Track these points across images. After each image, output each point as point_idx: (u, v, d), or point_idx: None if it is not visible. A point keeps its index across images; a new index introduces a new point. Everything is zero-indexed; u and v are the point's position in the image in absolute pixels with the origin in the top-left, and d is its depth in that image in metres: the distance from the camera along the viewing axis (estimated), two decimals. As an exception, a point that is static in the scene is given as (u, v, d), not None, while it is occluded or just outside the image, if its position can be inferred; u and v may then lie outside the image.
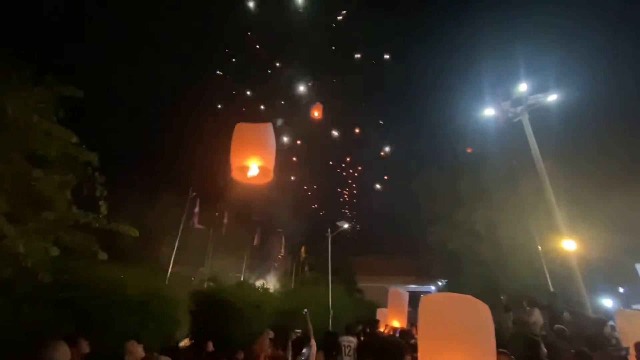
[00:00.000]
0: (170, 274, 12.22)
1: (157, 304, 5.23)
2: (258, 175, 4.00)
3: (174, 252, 13.34)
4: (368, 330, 9.07)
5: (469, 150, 22.39)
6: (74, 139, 3.95)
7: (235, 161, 3.86)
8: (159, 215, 17.43)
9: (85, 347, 3.16)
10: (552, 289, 11.61)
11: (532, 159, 12.35)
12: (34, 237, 3.44)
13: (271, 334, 6.06)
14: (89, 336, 3.38)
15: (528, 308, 8.40)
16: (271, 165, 4.06)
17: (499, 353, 2.82)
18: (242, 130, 3.98)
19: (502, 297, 8.82)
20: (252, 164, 3.87)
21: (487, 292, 12.29)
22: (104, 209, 4.39)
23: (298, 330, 6.54)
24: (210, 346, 5.57)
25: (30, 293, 3.68)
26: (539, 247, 13.14)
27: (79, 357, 2.98)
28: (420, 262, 22.76)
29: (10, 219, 3.28)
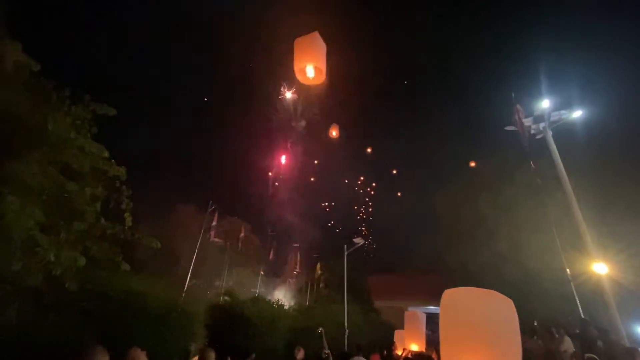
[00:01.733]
0: (187, 287, 12.36)
1: (175, 316, 5.28)
2: (315, 76, 5.83)
3: (192, 266, 13.51)
4: (385, 353, 8.78)
5: (472, 164, 21.90)
6: (106, 154, 4.17)
7: (297, 66, 5.72)
8: (178, 229, 17.81)
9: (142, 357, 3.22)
10: (582, 315, 10.93)
11: (557, 177, 11.93)
12: (64, 247, 3.61)
13: (301, 354, 6.00)
14: (110, 346, 3.44)
15: (557, 335, 7.91)
16: (323, 65, 5.72)
17: None
18: (299, 43, 5.81)
19: (535, 323, 8.31)
20: (309, 66, 5.78)
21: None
22: (128, 221, 4.57)
23: (327, 351, 6.42)
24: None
25: (57, 301, 3.81)
26: (567, 270, 12.48)
27: None
28: (439, 283, 22.01)
29: (43, 229, 3.47)
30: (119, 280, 4.61)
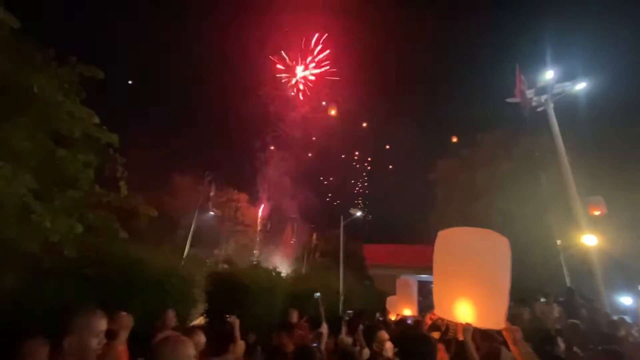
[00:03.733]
0: (187, 255, 12.59)
1: (175, 282, 5.38)
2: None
3: (190, 235, 13.69)
4: (379, 317, 9.14)
5: (454, 139, 21.67)
6: (96, 120, 4.02)
7: None
8: (176, 198, 17.84)
9: (127, 320, 3.27)
10: (568, 285, 11.36)
11: (555, 151, 11.90)
12: (60, 215, 3.56)
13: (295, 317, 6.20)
14: (110, 311, 3.51)
15: (543, 300, 8.25)
16: None
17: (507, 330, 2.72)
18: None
19: (542, 299, 8.63)
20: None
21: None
22: (124, 189, 4.51)
23: (350, 311, 6.60)
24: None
25: (56, 268, 3.83)
26: (558, 242, 12.80)
27: (123, 329, 3.11)
28: (431, 253, 22.56)
29: (37, 196, 3.40)
30: (118, 248, 4.63)
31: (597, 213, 11.06)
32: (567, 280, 11.81)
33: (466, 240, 3.03)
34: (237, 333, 3.77)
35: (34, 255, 3.52)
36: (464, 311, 2.78)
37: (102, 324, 1.98)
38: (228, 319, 3.77)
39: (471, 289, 2.74)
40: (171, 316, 4.10)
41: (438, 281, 3.08)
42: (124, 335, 3.13)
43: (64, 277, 3.88)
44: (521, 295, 9.00)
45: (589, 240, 10.54)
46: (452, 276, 2.92)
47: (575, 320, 6.51)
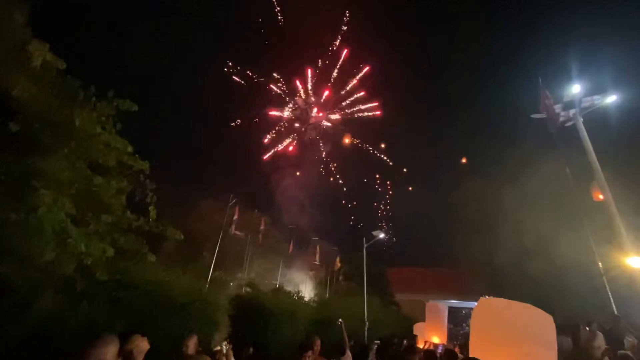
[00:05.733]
0: (211, 278, 12.70)
1: (199, 306, 5.44)
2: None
3: (214, 258, 13.86)
4: (405, 343, 8.71)
5: (464, 161, 20.95)
6: (130, 149, 4.31)
7: None
8: (201, 222, 18.29)
9: (142, 344, 3.30)
10: (615, 311, 10.41)
11: (588, 167, 11.31)
12: (94, 239, 3.77)
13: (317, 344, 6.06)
14: (130, 334, 3.58)
15: (588, 329, 7.58)
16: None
17: None
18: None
19: (583, 326, 8.00)
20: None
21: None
22: (153, 213, 4.72)
23: (377, 341, 6.44)
24: (250, 350, 5.68)
25: (89, 290, 4.01)
26: (599, 264, 11.88)
27: (138, 353, 3.14)
28: (461, 277, 21.57)
29: (74, 221, 3.63)
30: (146, 271, 4.79)
31: (601, 197, 10.38)
32: (613, 305, 10.84)
33: (509, 314, 2.90)
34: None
35: (68, 278, 3.71)
36: None
37: (112, 351, 2.06)
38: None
39: None
40: (193, 342, 4.11)
41: (475, 350, 2.93)
42: (139, 357, 3.16)
43: (95, 299, 4.04)
44: (561, 322, 8.34)
45: (634, 262, 9.73)
46: (491, 348, 2.77)
47: (626, 352, 5.94)
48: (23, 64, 3.54)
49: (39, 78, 3.59)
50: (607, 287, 11.18)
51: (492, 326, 2.80)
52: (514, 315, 2.87)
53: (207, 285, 8.55)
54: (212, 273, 13.21)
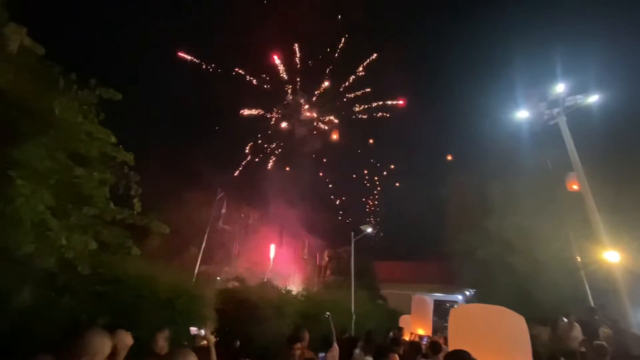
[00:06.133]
0: (197, 272, 12.58)
1: (185, 301, 5.37)
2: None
3: (201, 252, 13.72)
4: (391, 335, 8.87)
5: (449, 158, 21.36)
6: (113, 139, 4.17)
7: None
8: (187, 215, 18.03)
9: (127, 338, 3.24)
10: (592, 304, 10.84)
11: (570, 164, 11.65)
12: (75, 231, 3.65)
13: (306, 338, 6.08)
14: (122, 328, 3.51)
15: (566, 321, 7.87)
16: None
17: None
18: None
19: (561, 318, 8.25)
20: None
21: (519, 304, 11.63)
22: (137, 206, 4.60)
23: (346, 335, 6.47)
24: (237, 343, 5.67)
25: (71, 284, 3.89)
26: (578, 258, 12.32)
27: (122, 348, 3.09)
28: (446, 270, 22.00)
29: (54, 213, 3.51)
30: (130, 265, 4.69)
31: (575, 188, 10.84)
32: (590, 299, 11.28)
33: (483, 318, 2.97)
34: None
35: (48, 272, 3.60)
36: None
37: (108, 347, 2.01)
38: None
39: None
40: (162, 337, 4.06)
41: None
42: (122, 353, 3.11)
43: (77, 293, 3.93)
44: (541, 314, 8.63)
45: (611, 256, 10.13)
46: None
47: (601, 342, 6.20)
48: (-2, 49, 3.37)
49: (16, 64, 3.42)
50: (585, 280, 11.61)
51: (467, 331, 2.89)
52: (488, 319, 2.96)
53: (193, 279, 8.46)
54: (199, 267, 13.08)
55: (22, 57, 3.58)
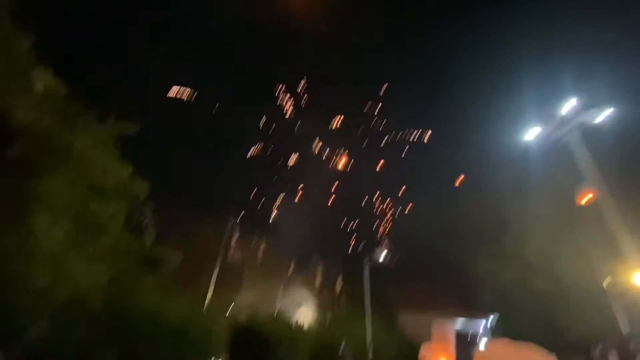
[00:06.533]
0: (209, 303, 12.36)
1: (195, 335, 5.27)
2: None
3: (212, 281, 13.56)
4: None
5: (461, 178, 20.95)
6: (129, 170, 4.30)
7: None
8: (201, 243, 18.01)
9: None
10: (622, 329, 10.11)
11: (587, 182, 11.30)
12: (91, 261, 3.69)
13: None
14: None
15: (600, 348, 7.35)
16: None
17: None
18: None
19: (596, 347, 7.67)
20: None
21: (545, 330, 10.96)
22: (151, 235, 4.65)
23: None
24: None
25: (82, 317, 3.87)
26: (605, 281, 11.65)
27: None
28: (466, 294, 21.08)
29: (71, 244, 3.57)
30: (142, 296, 4.66)
31: (584, 202, 10.31)
32: (620, 322, 10.54)
33: (513, 356, 2.85)
34: None
35: (62, 304, 3.60)
36: None
37: None
38: None
39: None
40: None
41: None
42: None
43: (88, 326, 3.90)
44: (570, 339, 8.09)
45: (641, 278, 9.54)
46: None
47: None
48: (26, 89, 3.59)
49: (41, 103, 3.63)
50: (614, 303, 10.93)
51: None
52: (518, 357, 2.80)
53: (204, 310, 8.33)
54: (210, 297, 12.88)
55: (47, 96, 3.81)
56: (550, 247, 14.18)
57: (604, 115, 11.40)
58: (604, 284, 11.85)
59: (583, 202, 10.23)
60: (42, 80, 3.72)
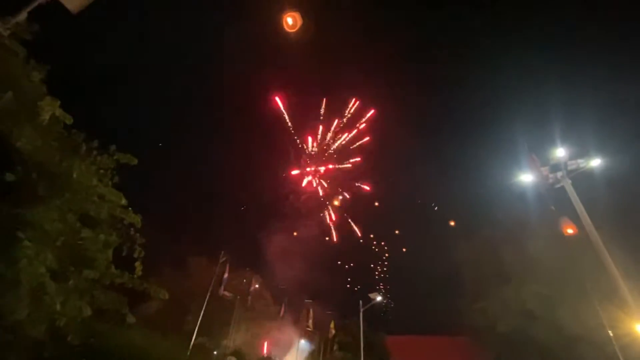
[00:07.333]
0: (193, 344, 11.64)
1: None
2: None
3: (199, 321, 12.89)
4: None
5: (452, 224, 20.93)
6: (124, 202, 4.27)
7: None
8: (189, 279, 17.39)
9: None
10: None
11: (582, 227, 11.29)
12: (72, 296, 3.53)
13: None
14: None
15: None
16: None
17: None
18: None
19: None
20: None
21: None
22: (138, 270, 4.49)
23: None
24: None
25: (58, 355, 3.62)
26: (610, 332, 11.20)
27: None
28: (465, 345, 20.09)
29: (53, 276, 3.43)
30: (123, 334, 4.41)
31: (570, 232, 10.11)
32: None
33: None
34: None
35: (37, 341, 3.38)
36: None
37: None
38: None
39: None
40: None
41: None
42: None
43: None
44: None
45: (646, 329, 9.20)
46: None
47: None
48: (31, 118, 3.68)
49: (45, 131, 3.70)
50: (620, 355, 10.44)
51: None
52: None
53: (188, 354, 7.83)
54: (195, 339, 12.16)
55: (51, 126, 3.89)
56: (550, 294, 13.85)
57: (593, 163, 11.73)
58: (609, 334, 11.38)
59: (567, 232, 10.19)
60: (49, 110, 3.82)
